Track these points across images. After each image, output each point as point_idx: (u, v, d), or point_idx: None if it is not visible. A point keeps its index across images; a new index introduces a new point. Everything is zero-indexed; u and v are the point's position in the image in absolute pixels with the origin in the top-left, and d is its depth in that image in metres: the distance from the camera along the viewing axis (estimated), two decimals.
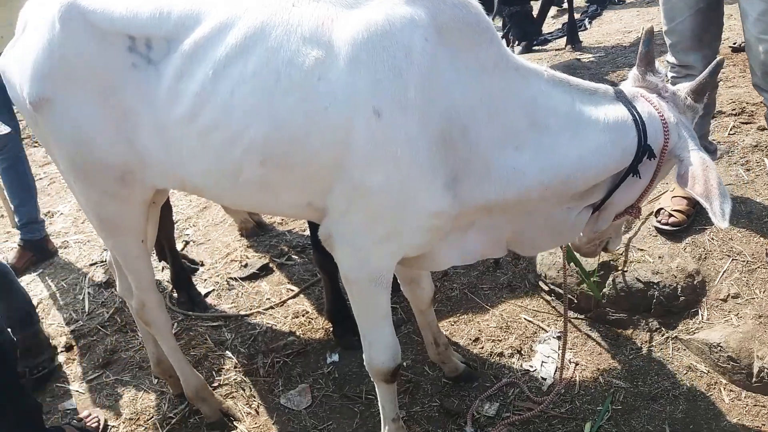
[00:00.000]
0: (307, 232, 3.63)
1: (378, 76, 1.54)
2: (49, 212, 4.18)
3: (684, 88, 1.77)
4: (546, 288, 2.97)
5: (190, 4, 1.71)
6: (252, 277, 3.36)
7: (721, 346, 2.45)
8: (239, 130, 1.64)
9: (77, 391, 2.78)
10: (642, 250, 2.79)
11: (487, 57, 1.62)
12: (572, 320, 2.80)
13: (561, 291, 2.86)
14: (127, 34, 1.72)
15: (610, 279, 2.73)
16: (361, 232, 1.75)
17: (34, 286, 3.46)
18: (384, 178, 1.60)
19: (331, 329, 2.87)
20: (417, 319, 2.53)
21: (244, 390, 2.66)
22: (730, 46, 4.46)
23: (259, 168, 1.68)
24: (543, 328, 2.79)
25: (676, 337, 2.61)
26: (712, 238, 2.79)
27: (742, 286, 2.65)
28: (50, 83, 1.79)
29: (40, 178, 4.61)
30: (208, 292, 3.29)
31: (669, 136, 1.68)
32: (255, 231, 3.72)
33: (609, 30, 6.20)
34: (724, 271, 2.68)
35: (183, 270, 3.26)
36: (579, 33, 5.91)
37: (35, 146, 5.03)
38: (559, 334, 2.74)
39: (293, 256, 3.51)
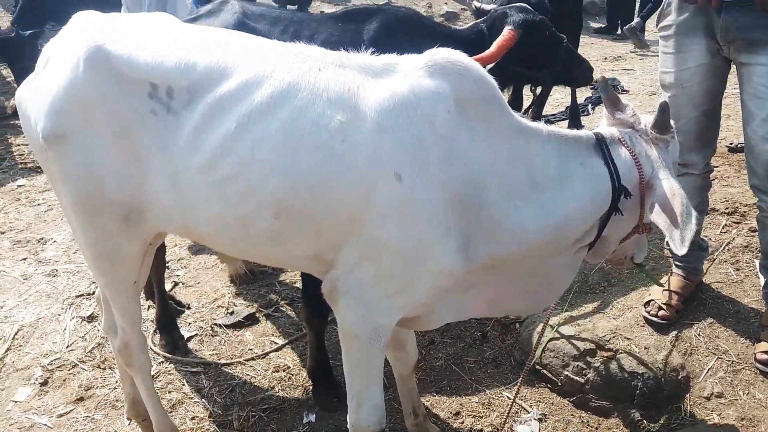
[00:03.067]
0: (298, 284, 3.63)
1: (401, 143, 1.65)
2: (42, 239, 4.17)
3: (647, 124, 1.89)
4: (530, 368, 2.95)
5: (216, 59, 1.78)
6: (237, 326, 3.33)
7: None
8: (257, 183, 1.70)
9: (45, 425, 2.71)
10: (629, 339, 2.80)
11: (499, 126, 1.76)
12: (555, 403, 2.77)
13: (545, 372, 2.85)
14: (150, 81, 1.77)
15: (596, 365, 2.73)
16: (369, 286, 1.79)
17: (17, 311, 3.42)
18: (400, 236, 1.69)
19: (311, 388, 2.83)
20: (398, 386, 2.50)
21: None
22: (726, 146, 4.58)
23: (271, 220, 1.73)
24: (525, 409, 2.76)
25: (656, 431, 2.59)
26: (699, 334, 2.81)
27: (726, 385, 2.65)
28: (67, 120, 1.83)
29: (38, 204, 4.62)
30: (191, 336, 3.26)
31: (643, 171, 1.81)
32: (246, 278, 3.71)
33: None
34: (709, 369, 2.68)
35: (169, 311, 3.23)
36: (581, 117, 6.06)
37: (38, 172, 5.06)
38: (540, 416, 2.71)
39: (281, 308, 3.49)
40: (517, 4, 3.02)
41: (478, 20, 3.18)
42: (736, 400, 2.59)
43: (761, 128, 2.46)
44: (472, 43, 2.87)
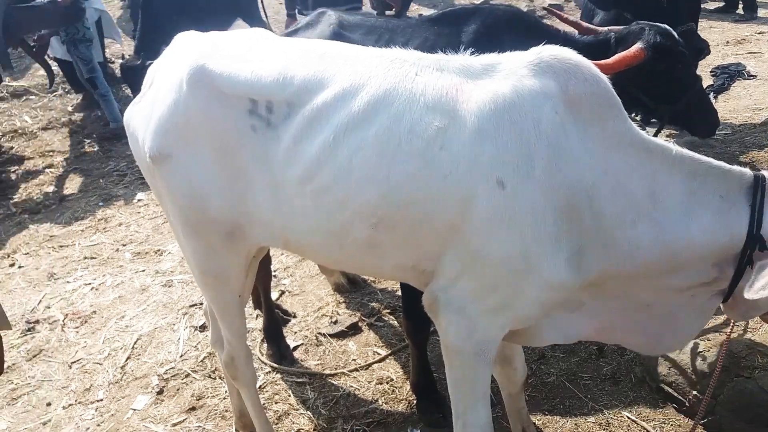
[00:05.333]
0: (399, 292, 3.58)
1: (504, 147, 1.56)
2: (159, 250, 4.38)
3: None
4: (653, 385, 2.71)
5: (313, 70, 1.76)
6: (340, 335, 3.33)
7: None
8: (354, 192, 1.67)
9: None
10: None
11: (614, 132, 1.62)
12: (683, 425, 2.52)
13: (670, 390, 2.61)
14: (249, 98, 1.78)
15: (730, 384, 2.45)
16: (471, 300, 1.71)
17: (135, 321, 3.60)
18: (505, 247, 1.60)
19: (415, 402, 2.76)
20: (506, 404, 2.37)
21: None
22: None
23: (369, 230, 1.70)
24: (648, 430, 2.54)
25: None
26: None
27: None
28: (171, 140, 1.87)
29: (155, 217, 4.86)
30: (297, 346, 3.29)
31: None
32: (347, 287, 3.71)
33: (736, 106, 5.82)
34: None
35: (276, 321, 3.28)
36: None
37: None
38: None
39: (383, 317, 3.45)
40: (663, 25, 2.78)
41: (611, 28, 2.97)
42: None
43: None
44: (592, 50, 2.67)
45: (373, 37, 2.77)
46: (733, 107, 5.81)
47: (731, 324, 2.07)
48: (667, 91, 2.85)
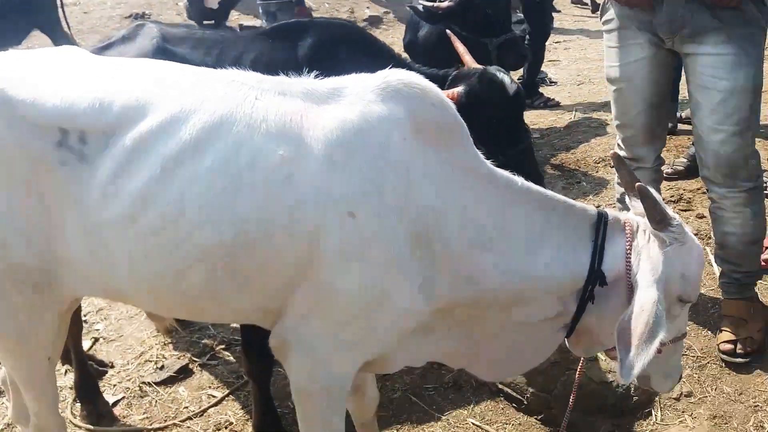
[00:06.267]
0: (234, 325, 3.35)
1: (352, 176, 1.47)
2: None
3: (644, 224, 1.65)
4: (493, 388, 2.78)
5: (136, 94, 1.54)
6: (169, 381, 3.00)
7: None
8: (187, 233, 1.48)
9: None
10: None
11: (461, 160, 1.59)
12: (523, 423, 2.61)
13: (509, 390, 2.70)
14: (59, 127, 1.51)
15: (562, 378, 2.58)
16: (324, 337, 1.60)
17: None
18: (358, 279, 1.51)
19: None
20: None
21: None
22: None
23: (207, 273, 1.51)
24: None
25: None
26: None
27: (694, 383, 2.57)
28: None
29: None
30: (118, 401, 2.90)
31: (630, 266, 1.60)
32: (173, 326, 3.38)
33: (542, 111, 6.32)
34: None
35: (90, 375, 2.86)
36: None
37: None
38: None
39: (217, 355, 3.19)
40: (500, 74, 2.55)
41: (452, 69, 2.74)
42: (706, 397, 2.51)
43: (708, 119, 2.41)
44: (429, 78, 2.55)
45: (202, 51, 2.55)
46: (539, 112, 6.30)
47: None
48: (490, 139, 2.52)
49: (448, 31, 2.79)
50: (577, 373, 2.06)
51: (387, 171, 1.50)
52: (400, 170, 1.51)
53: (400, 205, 1.51)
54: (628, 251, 1.62)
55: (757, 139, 4.26)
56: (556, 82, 7.00)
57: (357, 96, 1.56)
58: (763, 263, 3.12)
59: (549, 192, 1.70)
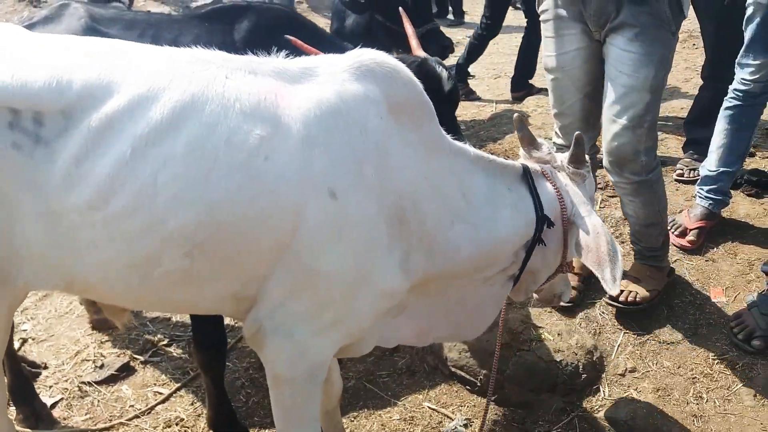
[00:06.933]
0: (174, 319, 3.23)
1: (333, 156, 1.45)
2: None
3: (563, 159, 1.89)
4: (446, 371, 2.83)
5: (97, 72, 1.43)
6: (110, 380, 2.85)
7: (628, 424, 2.44)
8: (161, 217, 1.40)
9: None
10: (540, 327, 2.77)
11: (430, 136, 1.63)
12: (477, 404, 2.67)
13: (463, 373, 2.75)
14: (9, 107, 1.39)
15: (513, 359, 2.66)
16: (302, 322, 1.57)
17: None
18: (339, 259, 1.50)
19: None
20: (322, 423, 2.24)
21: None
22: None
23: (182, 259, 1.45)
24: (448, 416, 2.63)
25: (581, 416, 2.57)
26: (603, 312, 2.85)
27: (637, 359, 2.70)
28: None
29: None
30: (56, 402, 2.74)
31: (564, 204, 1.78)
32: (109, 323, 3.22)
33: (463, 103, 6.45)
34: (619, 345, 2.72)
35: (23, 377, 2.68)
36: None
37: None
38: (465, 422, 2.59)
39: (159, 351, 3.06)
40: (434, 64, 2.47)
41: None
42: (648, 371, 2.64)
43: (609, 110, 2.55)
44: None
45: (135, 32, 2.42)
46: (461, 104, 6.42)
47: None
48: None
49: (401, 9, 2.77)
50: (499, 328, 2.27)
51: (367, 150, 1.49)
52: (379, 149, 1.51)
53: (380, 183, 1.51)
54: (558, 192, 1.79)
55: (668, 132, 4.59)
56: (474, 76, 7.15)
57: (331, 75, 1.54)
58: (687, 244, 3.33)
59: (487, 154, 1.81)
